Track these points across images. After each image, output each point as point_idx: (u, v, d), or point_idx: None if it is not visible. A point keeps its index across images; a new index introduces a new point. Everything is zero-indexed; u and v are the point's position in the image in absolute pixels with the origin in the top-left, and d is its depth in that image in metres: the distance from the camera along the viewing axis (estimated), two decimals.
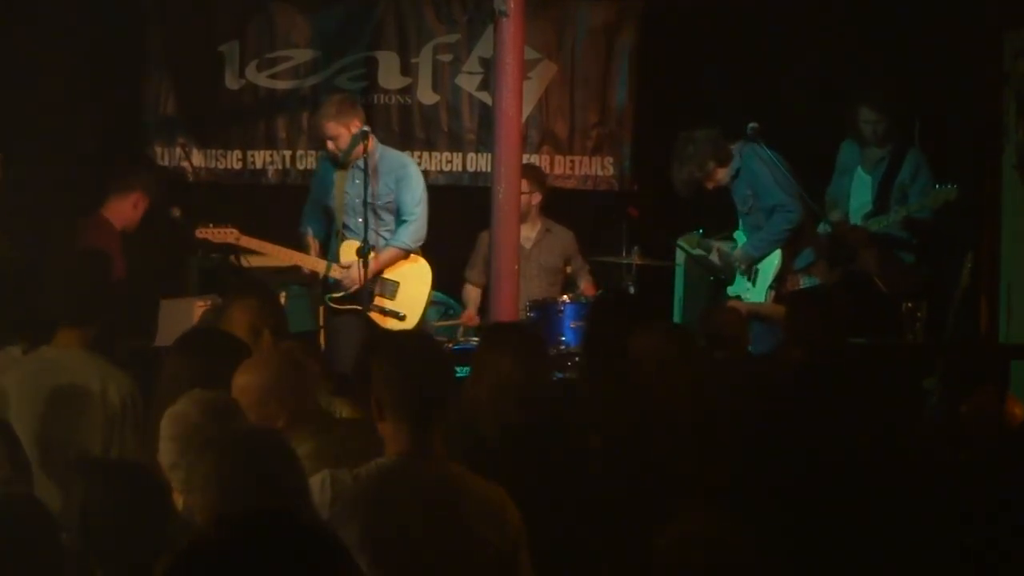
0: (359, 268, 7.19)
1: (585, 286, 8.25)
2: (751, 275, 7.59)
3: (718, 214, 7.83)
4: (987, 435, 5.04)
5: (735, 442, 4.27)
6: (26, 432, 4.14)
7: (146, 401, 4.48)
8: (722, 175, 7.54)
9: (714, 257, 7.75)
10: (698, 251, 7.87)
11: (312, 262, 7.47)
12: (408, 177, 7.48)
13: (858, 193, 7.67)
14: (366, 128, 7.38)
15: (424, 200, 7.50)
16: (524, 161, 7.42)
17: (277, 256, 7.49)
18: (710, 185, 7.59)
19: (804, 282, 7.44)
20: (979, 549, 3.54)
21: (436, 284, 8.14)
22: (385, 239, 7.46)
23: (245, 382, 3.94)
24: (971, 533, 3.63)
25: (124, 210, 7.49)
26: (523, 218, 7.88)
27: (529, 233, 8.15)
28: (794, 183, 7.32)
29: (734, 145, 7.53)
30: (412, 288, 7.54)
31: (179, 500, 3.58)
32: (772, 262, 7.48)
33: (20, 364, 4.67)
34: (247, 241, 7.45)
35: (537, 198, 8.26)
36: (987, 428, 5.10)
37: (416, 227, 7.49)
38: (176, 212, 7.65)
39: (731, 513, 3.57)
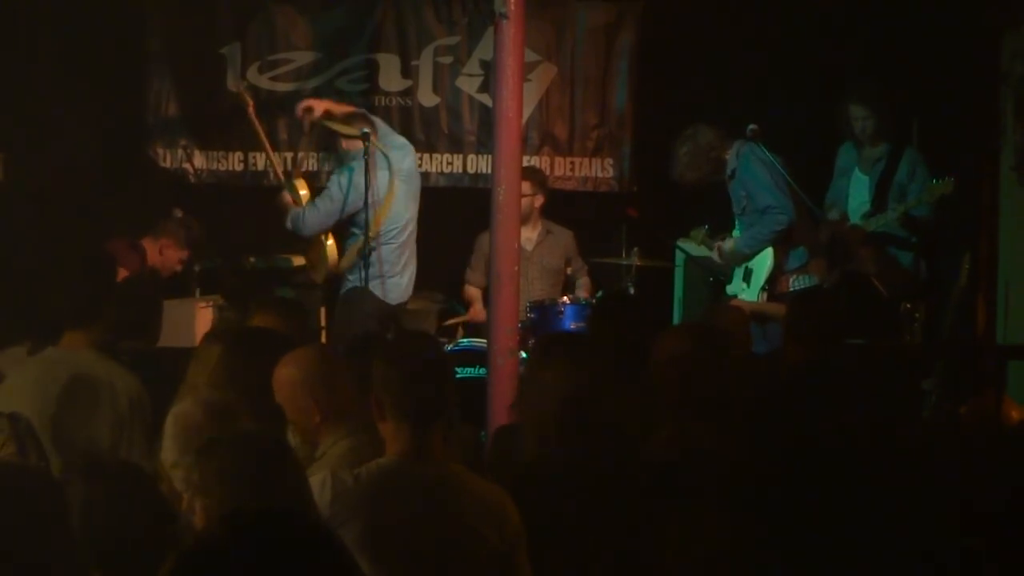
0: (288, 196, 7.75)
1: (583, 287, 8.29)
2: (746, 276, 7.61)
3: (718, 213, 7.85)
4: (986, 437, 5.06)
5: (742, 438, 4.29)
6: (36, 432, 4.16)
7: (155, 402, 4.50)
8: (727, 159, 7.55)
9: (715, 255, 7.77)
10: (701, 247, 7.89)
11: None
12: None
13: (856, 193, 7.69)
14: (366, 130, 7.42)
15: (327, 194, 7.56)
16: (524, 163, 7.44)
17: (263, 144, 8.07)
18: (719, 177, 7.60)
19: (795, 282, 7.45)
20: (977, 550, 3.56)
21: (430, 284, 8.24)
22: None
23: (278, 376, 3.96)
24: (969, 534, 3.64)
25: (154, 251, 7.63)
26: (525, 220, 7.91)
27: (531, 234, 8.19)
28: (792, 185, 7.33)
29: (732, 144, 7.55)
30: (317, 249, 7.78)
31: (181, 499, 3.61)
32: (765, 263, 7.50)
33: (28, 364, 4.69)
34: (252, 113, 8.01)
35: (540, 200, 8.29)
36: (986, 430, 5.11)
37: (301, 213, 7.60)
38: (178, 213, 7.68)
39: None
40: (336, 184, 7.56)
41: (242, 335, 4.47)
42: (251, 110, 7.96)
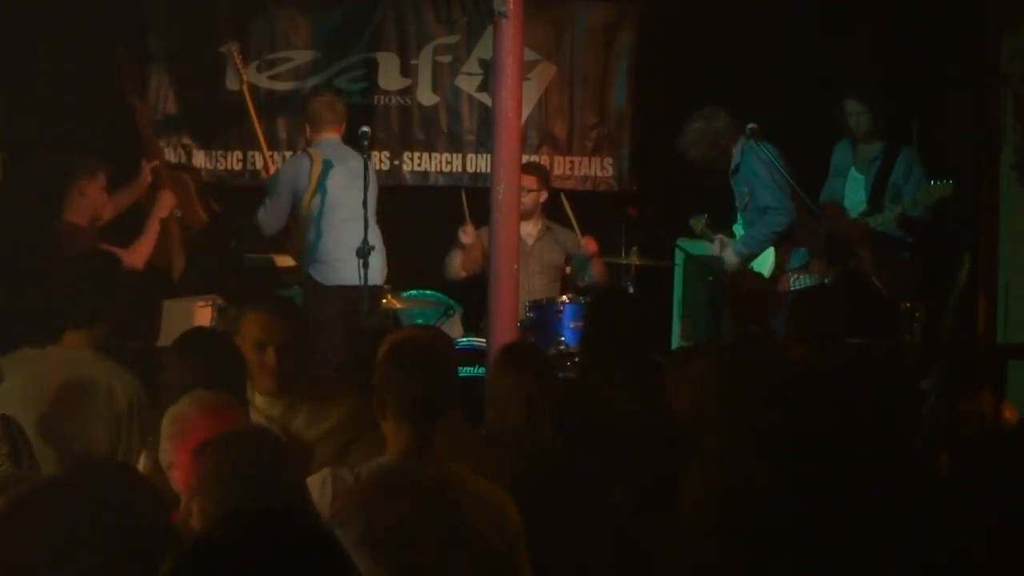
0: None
1: (596, 275, 8.19)
2: None
3: (718, 208, 7.85)
4: (981, 437, 5.06)
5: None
6: (31, 433, 4.15)
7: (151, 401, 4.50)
8: (733, 153, 7.56)
9: (716, 245, 7.79)
10: (701, 238, 7.90)
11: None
12: None
13: (852, 192, 7.70)
14: (366, 129, 7.42)
15: (272, 189, 7.56)
16: (524, 161, 7.44)
17: None
18: (719, 166, 7.61)
19: (795, 281, 7.45)
20: (972, 551, 3.56)
21: (428, 282, 8.23)
22: None
23: None
24: (965, 535, 3.65)
25: (77, 204, 7.44)
26: (529, 215, 7.94)
27: (531, 231, 8.19)
28: (791, 183, 7.34)
29: (738, 140, 7.56)
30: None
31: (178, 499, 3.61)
32: (766, 262, 7.51)
33: (27, 364, 4.68)
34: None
35: (544, 196, 8.30)
36: (982, 430, 5.12)
37: (259, 211, 7.61)
38: (177, 212, 7.66)
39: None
40: (275, 178, 7.61)
41: (181, 337, 4.50)
42: (251, 107, 7.96)
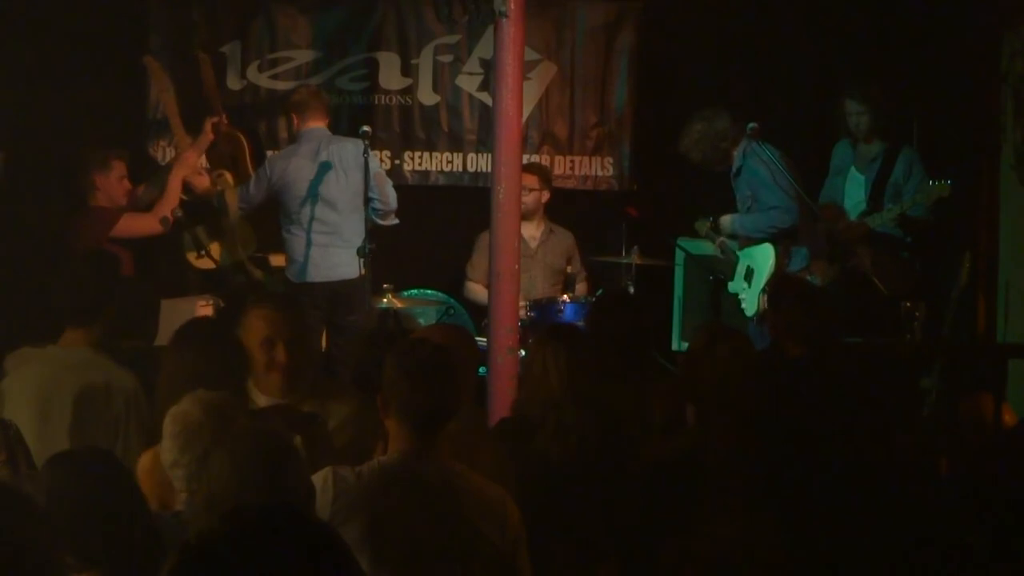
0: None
1: (580, 289, 8.27)
2: (747, 276, 7.63)
3: (720, 209, 7.86)
4: (980, 437, 5.07)
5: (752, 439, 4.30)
6: (31, 431, 4.16)
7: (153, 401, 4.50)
8: (734, 155, 7.57)
9: (717, 249, 7.79)
10: (705, 240, 7.91)
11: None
12: None
13: (852, 192, 7.69)
14: (367, 128, 7.44)
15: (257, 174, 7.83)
16: (525, 161, 7.44)
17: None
18: (721, 167, 7.62)
19: None
20: (972, 550, 3.57)
21: (430, 282, 8.21)
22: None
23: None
24: (965, 535, 3.65)
25: (93, 198, 7.48)
26: (531, 216, 7.95)
27: (535, 232, 8.20)
28: (793, 183, 7.34)
29: (739, 142, 7.56)
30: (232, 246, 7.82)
31: (180, 498, 3.62)
32: (767, 264, 7.51)
33: (27, 362, 4.69)
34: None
35: (546, 196, 8.31)
36: (982, 431, 5.13)
37: (244, 188, 7.83)
38: (177, 212, 7.66)
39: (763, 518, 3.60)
40: (265, 166, 7.79)
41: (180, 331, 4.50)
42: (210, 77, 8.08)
